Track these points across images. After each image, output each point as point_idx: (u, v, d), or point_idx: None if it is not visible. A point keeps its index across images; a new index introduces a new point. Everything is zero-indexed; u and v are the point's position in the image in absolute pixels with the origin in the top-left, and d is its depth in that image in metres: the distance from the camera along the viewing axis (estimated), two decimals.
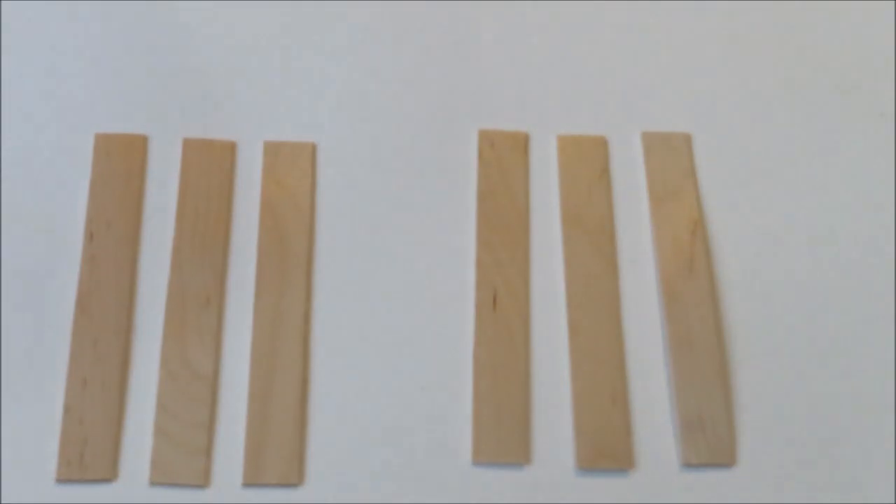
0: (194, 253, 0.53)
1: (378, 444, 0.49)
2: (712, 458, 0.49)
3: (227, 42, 0.59)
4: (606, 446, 0.49)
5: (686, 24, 0.61)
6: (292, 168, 0.55)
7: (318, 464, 0.49)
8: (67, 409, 0.49)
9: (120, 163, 0.54)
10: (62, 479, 0.47)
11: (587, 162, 0.56)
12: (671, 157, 0.56)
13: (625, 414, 0.50)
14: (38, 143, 0.55)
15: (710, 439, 0.50)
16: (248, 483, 0.48)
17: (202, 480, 0.48)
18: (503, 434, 0.49)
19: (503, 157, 0.55)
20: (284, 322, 0.51)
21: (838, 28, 0.61)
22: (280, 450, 0.49)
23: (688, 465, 0.49)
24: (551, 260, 0.54)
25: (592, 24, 0.60)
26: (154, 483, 0.48)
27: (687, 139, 0.57)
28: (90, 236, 0.53)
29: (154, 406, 0.49)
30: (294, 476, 0.48)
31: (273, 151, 0.55)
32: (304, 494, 0.48)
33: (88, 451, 0.48)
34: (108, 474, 0.48)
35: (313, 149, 0.56)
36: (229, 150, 0.55)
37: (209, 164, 0.55)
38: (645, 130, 0.57)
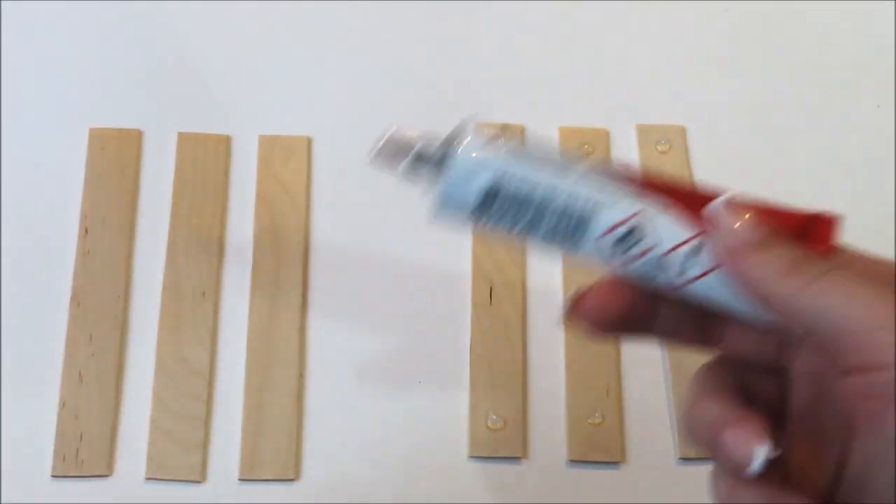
0: (189, 247, 0.52)
1: (374, 438, 0.49)
2: None
3: (222, 35, 0.58)
4: (600, 439, 0.49)
5: (681, 16, 0.61)
6: (288, 162, 0.55)
7: (315, 459, 0.49)
8: (63, 405, 0.49)
9: (114, 157, 0.54)
10: (58, 475, 0.47)
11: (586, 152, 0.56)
12: (666, 150, 0.56)
13: (619, 407, 0.50)
14: (32, 138, 0.55)
15: None
16: (245, 478, 0.48)
17: (198, 476, 0.48)
18: (499, 428, 0.49)
19: None
20: (280, 316, 0.51)
21: (834, 19, 0.61)
22: (276, 445, 0.48)
23: (685, 458, 0.49)
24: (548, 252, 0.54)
25: (589, 15, 0.60)
26: (150, 478, 0.48)
27: (681, 131, 0.57)
28: (85, 231, 0.52)
29: (150, 401, 0.49)
30: (290, 471, 0.48)
31: (268, 145, 0.55)
32: (300, 490, 0.48)
33: (84, 446, 0.48)
34: (104, 470, 0.48)
35: (309, 142, 0.55)
36: (224, 143, 0.55)
37: (204, 159, 0.54)
38: (640, 123, 0.57)
